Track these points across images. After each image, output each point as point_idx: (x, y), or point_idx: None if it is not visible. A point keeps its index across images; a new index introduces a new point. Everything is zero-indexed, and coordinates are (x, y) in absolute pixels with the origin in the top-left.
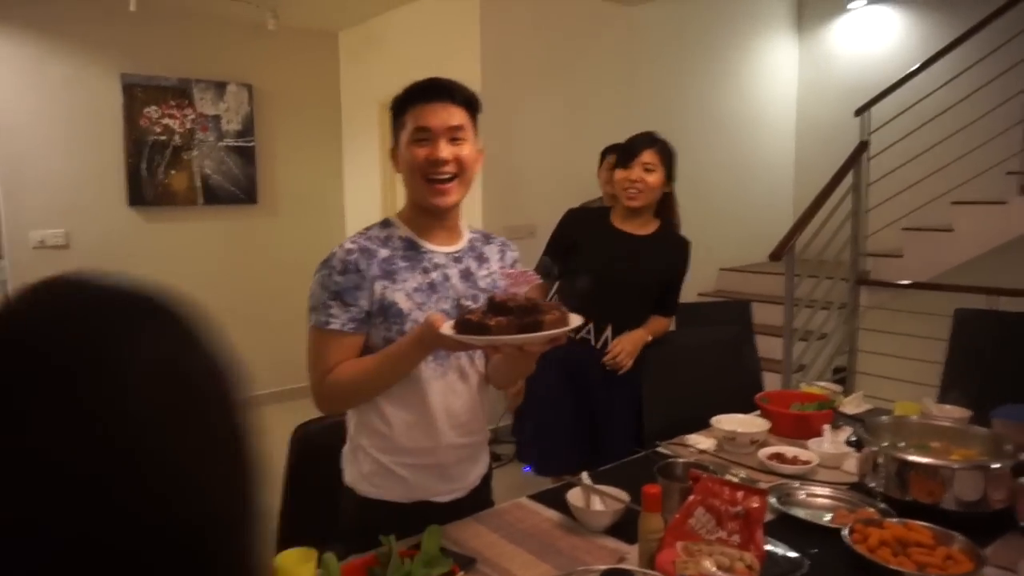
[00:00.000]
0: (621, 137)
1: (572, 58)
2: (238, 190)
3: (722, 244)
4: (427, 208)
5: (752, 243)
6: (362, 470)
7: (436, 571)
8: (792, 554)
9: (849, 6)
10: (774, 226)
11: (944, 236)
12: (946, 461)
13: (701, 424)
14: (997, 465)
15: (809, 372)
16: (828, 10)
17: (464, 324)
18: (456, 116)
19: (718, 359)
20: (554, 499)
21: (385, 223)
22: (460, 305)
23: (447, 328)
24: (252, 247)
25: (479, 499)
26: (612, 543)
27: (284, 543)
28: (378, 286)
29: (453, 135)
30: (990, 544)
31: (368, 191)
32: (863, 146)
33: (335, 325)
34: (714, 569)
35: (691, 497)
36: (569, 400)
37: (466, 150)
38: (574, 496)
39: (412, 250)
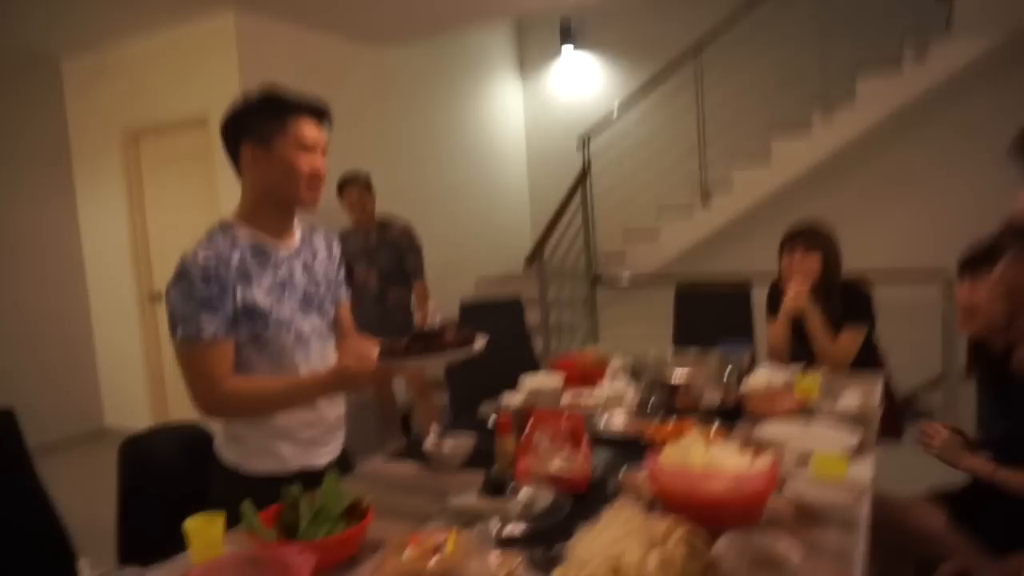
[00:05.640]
0: (375, 168)
1: (328, 94)
2: None
3: (476, 257)
4: (289, 206)
5: (501, 256)
6: (247, 449)
7: (345, 500)
8: (608, 454)
9: (560, 50)
10: (517, 239)
11: (653, 242)
12: (696, 377)
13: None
14: (728, 373)
15: None
16: (542, 55)
17: (391, 351)
18: (326, 136)
19: (504, 347)
20: (407, 454)
21: (224, 229)
22: (304, 298)
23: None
24: None
25: (346, 461)
26: (471, 475)
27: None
28: (238, 289)
29: (323, 151)
30: (735, 426)
31: (113, 229)
32: (587, 169)
33: (208, 333)
34: (560, 465)
35: (530, 424)
36: None
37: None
38: (429, 443)
39: (258, 251)
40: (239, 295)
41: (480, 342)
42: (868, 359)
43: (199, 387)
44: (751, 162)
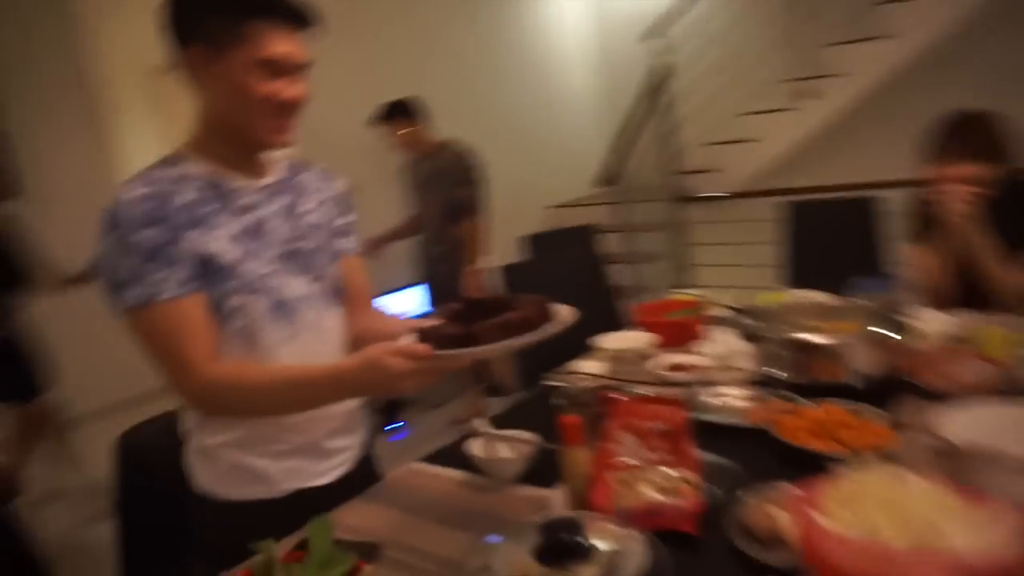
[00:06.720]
0: (418, 89)
1: (361, 7)
2: None
3: (542, 183)
4: (254, 144)
5: (570, 178)
6: (218, 470)
7: (335, 571)
8: (723, 460)
9: None
10: (587, 157)
11: (746, 147)
12: (845, 337)
13: (578, 351)
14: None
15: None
16: None
17: (443, 337)
18: (306, 49)
19: (575, 283)
20: (451, 457)
21: (170, 160)
22: (287, 253)
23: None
24: None
25: (365, 473)
26: (530, 491)
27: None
28: (191, 237)
29: (302, 72)
30: (892, 407)
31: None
32: (661, 70)
33: (169, 293)
34: (658, 495)
35: (608, 422)
36: None
37: (306, 86)
38: (476, 447)
39: (215, 189)
40: (193, 245)
41: (569, 314)
42: None
43: (176, 370)
44: (861, 34)
